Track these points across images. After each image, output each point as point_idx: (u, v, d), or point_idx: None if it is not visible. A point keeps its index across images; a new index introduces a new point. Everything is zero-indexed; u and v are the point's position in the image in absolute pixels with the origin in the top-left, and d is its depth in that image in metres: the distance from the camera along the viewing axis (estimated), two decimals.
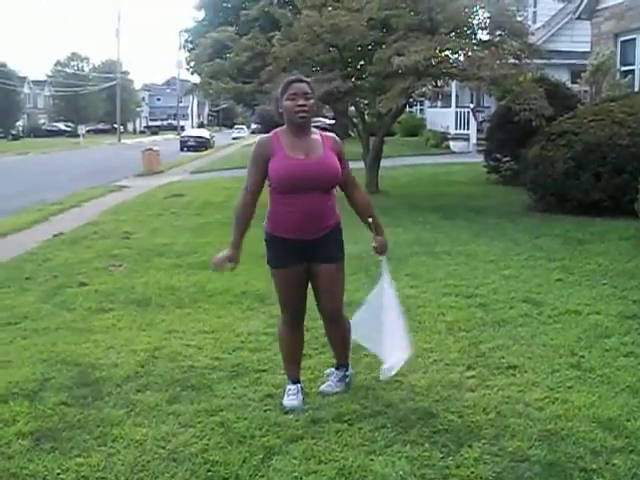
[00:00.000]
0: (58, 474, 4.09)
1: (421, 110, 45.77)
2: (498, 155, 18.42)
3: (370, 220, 4.95)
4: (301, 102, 4.68)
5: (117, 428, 4.61)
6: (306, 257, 4.82)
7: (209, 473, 4.06)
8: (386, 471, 4.01)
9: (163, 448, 4.35)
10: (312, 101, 4.75)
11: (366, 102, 18.53)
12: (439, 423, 4.54)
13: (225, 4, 40.26)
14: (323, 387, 5.16)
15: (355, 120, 19.18)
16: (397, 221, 12.71)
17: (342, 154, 4.90)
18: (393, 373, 5.01)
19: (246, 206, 4.81)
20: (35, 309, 7.82)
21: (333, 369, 5.26)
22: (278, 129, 4.85)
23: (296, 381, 5.06)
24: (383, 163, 18.34)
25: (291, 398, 4.95)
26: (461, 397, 4.96)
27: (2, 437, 4.56)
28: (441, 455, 4.17)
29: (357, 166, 17.83)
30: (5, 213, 17.20)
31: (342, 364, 5.23)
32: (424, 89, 16.04)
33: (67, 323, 7.22)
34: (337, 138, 4.98)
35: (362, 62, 17.23)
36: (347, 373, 5.25)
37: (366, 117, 19.19)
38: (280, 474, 4.04)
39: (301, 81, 4.78)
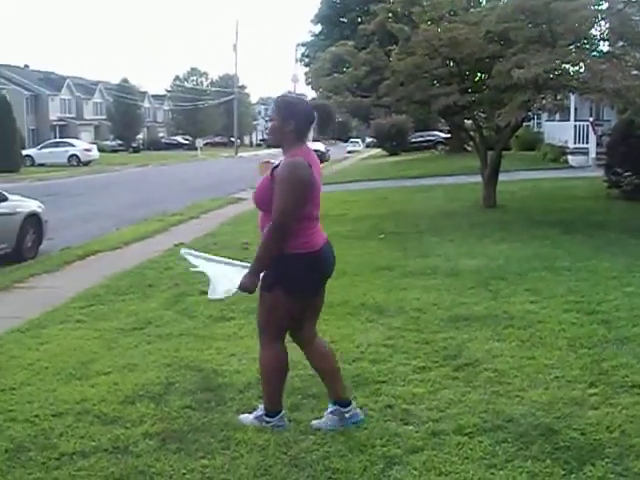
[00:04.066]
0: (184, 474, 4.23)
1: (538, 124, 44.95)
2: (619, 169, 17.95)
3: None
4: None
5: (240, 432, 4.72)
6: None
7: None
8: None
9: (285, 454, 4.43)
10: (273, 122, 4.62)
11: (484, 116, 18.34)
12: (561, 440, 4.48)
13: (342, 18, 40.70)
14: (315, 422, 4.85)
15: (472, 134, 19.00)
16: (515, 236, 12.57)
17: (277, 180, 4.60)
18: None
19: None
20: (158, 315, 8.07)
21: (337, 406, 4.86)
22: None
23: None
24: (500, 177, 18.05)
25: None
26: (583, 414, 4.88)
27: (130, 436, 4.74)
28: (563, 472, 4.12)
29: (475, 180, 17.73)
30: (128, 222, 17.78)
31: (340, 398, 4.87)
32: (544, 102, 15.76)
33: (189, 330, 7.41)
34: (283, 165, 4.63)
35: (480, 75, 17.12)
36: (348, 413, 4.83)
37: (484, 131, 19.00)
38: None
39: (275, 102, 4.69)
